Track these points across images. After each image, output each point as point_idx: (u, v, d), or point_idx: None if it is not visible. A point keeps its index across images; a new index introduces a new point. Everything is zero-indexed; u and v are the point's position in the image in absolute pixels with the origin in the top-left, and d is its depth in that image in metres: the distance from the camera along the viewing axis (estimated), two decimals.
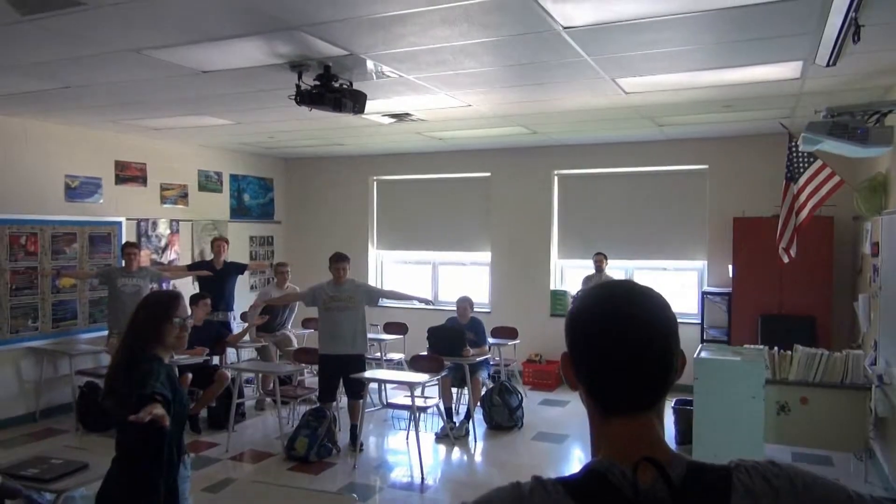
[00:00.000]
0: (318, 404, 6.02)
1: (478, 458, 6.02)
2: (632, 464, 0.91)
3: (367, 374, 5.94)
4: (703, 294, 7.64)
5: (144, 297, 2.92)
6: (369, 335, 6.53)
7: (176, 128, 7.16)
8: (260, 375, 7.25)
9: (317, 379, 6.37)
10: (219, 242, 7.54)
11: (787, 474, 0.93)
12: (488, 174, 9.02)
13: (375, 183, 9.86)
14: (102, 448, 3.16)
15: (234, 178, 9.29)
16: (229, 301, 7.47)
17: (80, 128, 7.13)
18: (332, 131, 7.39)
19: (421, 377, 5.86)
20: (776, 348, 5.22)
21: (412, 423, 5.78)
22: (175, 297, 2.81)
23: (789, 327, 6.62)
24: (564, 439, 6.27)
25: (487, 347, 6.93)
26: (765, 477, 0.93)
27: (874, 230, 5.51)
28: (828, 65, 3.95)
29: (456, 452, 6.03)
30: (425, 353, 6.40)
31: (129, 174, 7.79)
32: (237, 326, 7.57)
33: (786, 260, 5.40)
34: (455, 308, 6.87)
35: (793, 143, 5.18)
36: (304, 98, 4.45)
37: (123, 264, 6.89)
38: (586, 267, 7.99)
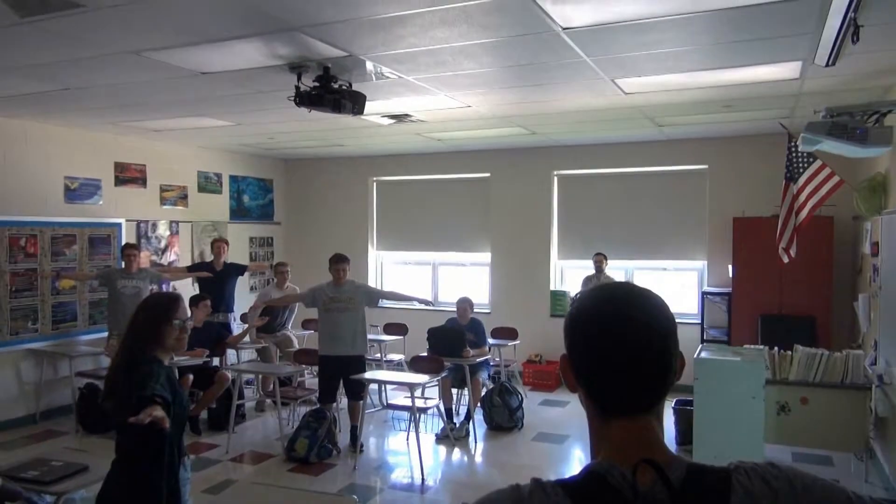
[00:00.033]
0: (318, 405, 6.02)
1: (478, 458, 6.02)
2: (631, 466, 0.91)
3: (368, 375, 5.94)
4: (703, 294, 7.64)
5: (144, 299, 2.92)
6: (369, 336, 6.53)
7: (175, 129, 7.16)
8: (260, 377, 7.25)
9: (317, 380, 6.36)
10: (219, 244, 7.54)
11: (786, 476, 0.93)
12: (488, 175, 9.02)
13: (375, 184, 9.86)
14: (102, 450, 3.16)
15: (233, 179, 9.30)
16: (229, 302, 7.46)
17: (79, 129, 7.13)
18: (332, 132, 7.39)
19: (421, 378, 5.86)
20: (776, 348, 5.22)
21: (412, 424, 5.78)
22: (175, 299, 2.80)
23: (789, 327, 6.62)
24: (565, 440, 6.27)
25: (487, 348, 6.93)
26: (764, 479, 0.93)
27: (874, 230, 5.51)
28: (827, 65, 3.95)
29: (456, 453, 6.03)
30: (425, 353, 6.41)
31: (129, 175, 7.79)
32: (237, 328, 7.57)
33: (786, 260, 5.40)
34: (455, 309, 6.87)
35: (792, 144, 5.18)
36: (304, 99, 4.46)
37: (123, 266, 6.88)
38: (586, 267, 7.98)
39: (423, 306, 7.01)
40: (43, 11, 3.34)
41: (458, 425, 6.35)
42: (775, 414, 5.05)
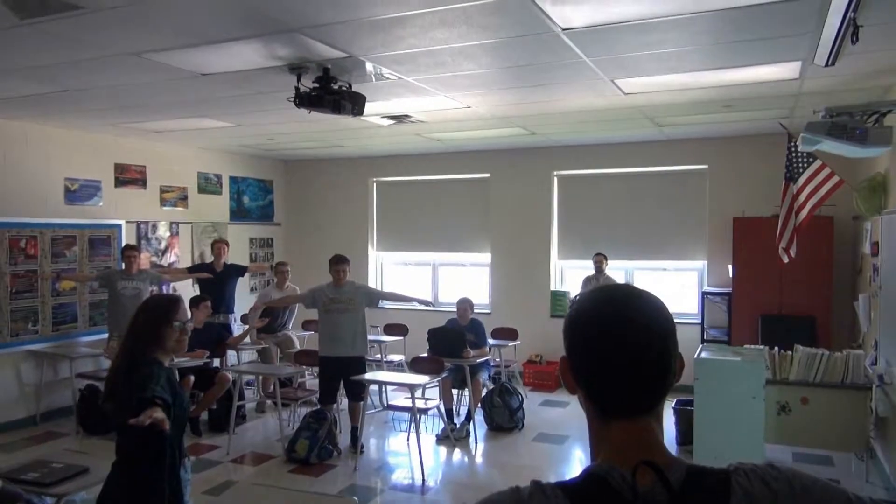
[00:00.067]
0: (318, 406, 6.02)
1: (479, 459, 6.02)
2: (631, 467, 0.91)
3: (368, 375, 5.94)
4: (704, 294, 7.64)
5: (144, 301, 2.92)
6: (369, 337, 6.53)
7: (175, 130, 7.17)
8: (260, 378, 7.25)
9: (317, 381, 6.36)
10: (219, 245, 7.54)
11: (785, 477, 0.93)
12: (488, 175, 9.02)
13: (375, 184, 9.87)
14: (103, 451, 3.16)
15: (233, 180, 9.30)
16: (230, 303, 7.46)
17: (79, 131, 7.14)
18: (332, 133, 7.39)
19: (421, 379, 5.86)
20: (776, 348, 5.22)
21: (413, 425, 5.78)
22: (175, 300, 2.81)
23: (789, 327, 6.63)
24: (565, 440, 6.26)
25: (488, 348, 6.93)
26: (763, 480, 0.93)
27: (874, 230, 5.51)
28: (826, 65, 3.95)
29: (457, 454, 6.03)
30: (426, 354, 6.40)
31: (129, 177, 7.79)
32: (238, 329, 7.57)
33: (786, 260, 5.40)
34: (455, 309, 6.87)
35: (792, 144, 5.18)
36: (304, 100, 4.46)
37: (123, 267, 6.89)
38: (586, 267, 7.98)
39: (423, 307, 7.01)
40: (43, 13, 3.34)
41: (458, 426, 6.35)
42: (776, 414, 5.05)
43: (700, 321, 7.53)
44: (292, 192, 10.24)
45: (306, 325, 8.10)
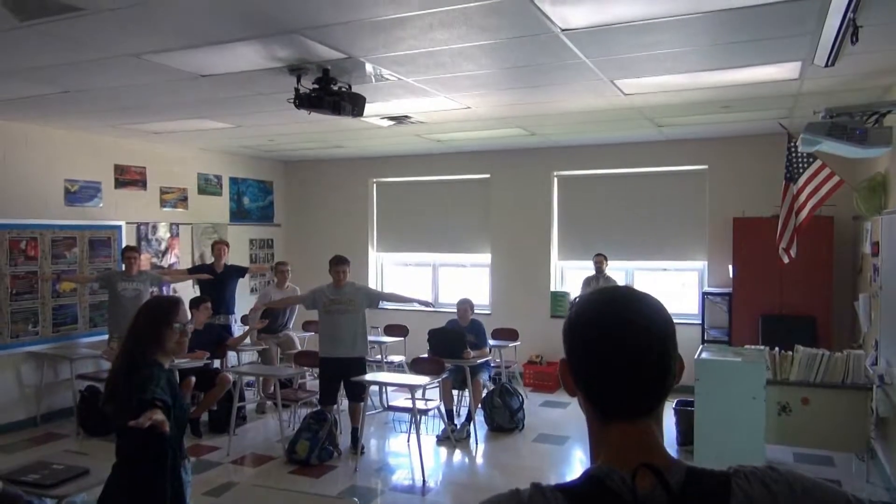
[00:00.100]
0: (318, 407, 6.02)
1: (479, 460, 6.02)
2: (631, 470, 0.91)
3: (368, 376, 5.94)
4: (704, 294, 7.64)
5: (145, 303, 2.92)
6: (370, 338, 6.53)
7: (175, 131, 7.17)
8: (261, 379, 7.25)
9: (317, 382, 6.36)
10: (219, 246, 7.53)
11: (785, 479, 0.94)
12: (488, 176, 9.02)
13: (375, 185, 9.87)
14: (103, 453, 3.16)
15: (233, 181, 9.30)
16: (230, 304, 7.46)
17: (79, 132, 7.14)
18: (332, 134, 7.39)
19: (422, 379, 5.86)
20: (777, 349, 5.22)
21: (413, 426, 5.78)
22: (175, 302, 2.80)
23: (790, 327, 6.62)
24: (566, 441, 6.26)
25: (488, 349, 6.93)
26: (763, 482, 0.93)
27: (874, 230, 5.51)
28: (826, 65, 3.96)
29: (457, 455, 6.03)
30: (426, 355, 6.40)
31: (129, 178, 7.79)
32: (238, 330, 7.57)
33: (786, 260, 5.40)
34: (455, 310, 6.87)
35: (792, 144, 5.18)
36: (303, 101, 4.46)
37: (123, 268, 6.89)
38: (586, 268, 7.98)
39: (423, 308, 7.01)
40: (43, 15, 3.34)
41: (458, 427, 6.35)
42: (776, 414, 5.04)
43: (700, 321, 7.52)
44: (292, 193, 10.24)
45: (306, 325, 8.10)
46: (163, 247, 8.23)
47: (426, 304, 6.89)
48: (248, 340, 7.15)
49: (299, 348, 7.50)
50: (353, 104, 4.61)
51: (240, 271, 7.69)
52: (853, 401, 4.96)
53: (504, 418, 6.49)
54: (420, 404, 5.84)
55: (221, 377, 4.88)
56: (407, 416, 6.25)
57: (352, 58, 4.15)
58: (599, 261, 7.70)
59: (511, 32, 3.68)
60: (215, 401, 5.28)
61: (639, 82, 4.88)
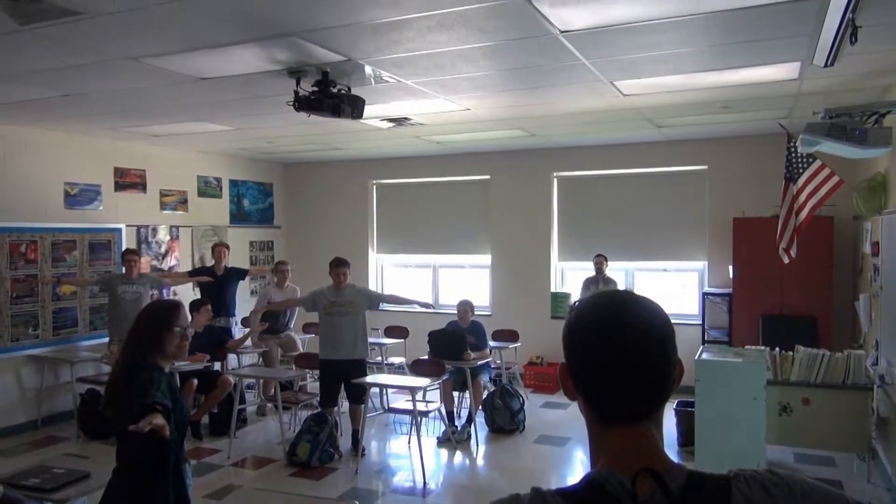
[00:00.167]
0: (319, 409, 6.02)
1: (480, 461, 6.02)
2: (631, 474, 0.91)
3: (369, 378, 5.94)
4: (704, 295, 7.64)
5: (145, 307, 2.92)
6: (370, 339, 6.53)
7: (175, 134, 7.17)
8: (261, 381, 7.25)
9: (318, 384, 6.36)
10: (219, 248, 7.54)
11: (786, 483, 0.94)
12: (487, 177, 9.02)
13: (375, 187, 9.87)
14: (104, 456, 3.16)
15: (233, 183, 9.30)
16: (230, 307, 7.47)
17: (79, 135, 7.14)
18: (331, 136, 7.40)
19: (422, 381, 5.86)
20: (777, 349, 5.22)
21: (414, 428, 5.78)
22: (175, 305, 2.81)
23: (790, 328, 6.62)
24: (566, 442, 6.26)
25: (488, 350, 6.92)
26: (763, 486, 0.93)
27: (874, 230, 5.51)
28: (825, 66, 3.96)
29: (458, 456, 6.02)
30: (426, 356, 6.40)
31: (129, 181, 7.80)
32: (238, 332, 7.57)
33: (786, 260, 5.40)
34: (456, 311, 6.87)
35: (791, 144, 5.18)
36: (303, 104, 4.46)
37: (124, 271, 6.89)
38: (586, 269, 7.98)
39: (423, 309, 7.01)
40: (42, 19, 3.34)
41: (459, 428, 6.35)
42: (777, 415, 5.04)
43: (701, 322, 7.52)
44: (292, 195, 10.24)
45: (307, 327, 8.10)
46: (163, 249, 8.23)
47: (426, 305, 6.88)
48: (248, 343, 7.15)
49: (301, 349, 7.49)
50: (352, 106, 4.61)
51: (240, 273, 7.69)
52: (854, 401, 4.96)
53: (505, 420, 6.49)
54: (421, 406, 5.84)
55: (222, 379, 4.87)
56: (407, 417, 6.25)
57: (351, 60, 4.15)
58: (599, 262, 7.70)
59: (510, 34, 3.68)
60: (216, 403, 5.28)
61: (638, 83, 4.88)
